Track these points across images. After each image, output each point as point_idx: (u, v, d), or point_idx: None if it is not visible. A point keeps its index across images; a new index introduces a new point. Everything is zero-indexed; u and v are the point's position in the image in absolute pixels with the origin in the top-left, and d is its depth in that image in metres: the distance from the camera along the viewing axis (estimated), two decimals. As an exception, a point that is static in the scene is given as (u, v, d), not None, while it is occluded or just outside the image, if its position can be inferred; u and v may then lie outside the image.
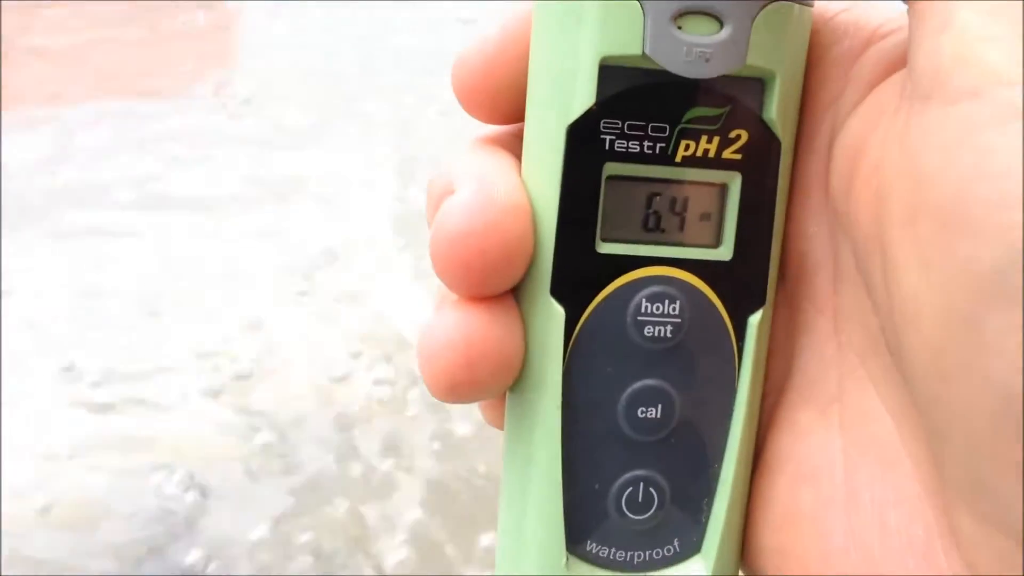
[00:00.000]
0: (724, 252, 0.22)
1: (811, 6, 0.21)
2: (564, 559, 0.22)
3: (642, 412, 0.22)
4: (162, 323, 1.20)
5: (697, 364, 0.22)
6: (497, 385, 0.21)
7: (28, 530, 0.92)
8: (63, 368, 1.12)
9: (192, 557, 0.90)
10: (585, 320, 0.21)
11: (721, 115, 0.21)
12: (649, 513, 0.22)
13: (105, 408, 1.07)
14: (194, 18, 1.95)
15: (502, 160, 0.22)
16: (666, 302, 0.21)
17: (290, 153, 1.57)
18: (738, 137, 0.21)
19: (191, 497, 0.96)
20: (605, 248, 0.21)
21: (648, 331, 0.21)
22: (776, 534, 0.22)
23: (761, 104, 0.21)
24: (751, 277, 0.22)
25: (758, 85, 0.21)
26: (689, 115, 0.21)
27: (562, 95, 0.20)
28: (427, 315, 0.22)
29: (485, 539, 0.93)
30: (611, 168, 0.21)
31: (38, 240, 1.36)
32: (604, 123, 0.20)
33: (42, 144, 1.57)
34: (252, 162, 1.54)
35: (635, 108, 0.20)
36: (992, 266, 0.15)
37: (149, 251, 1.35)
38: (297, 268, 1.31)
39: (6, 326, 1.17)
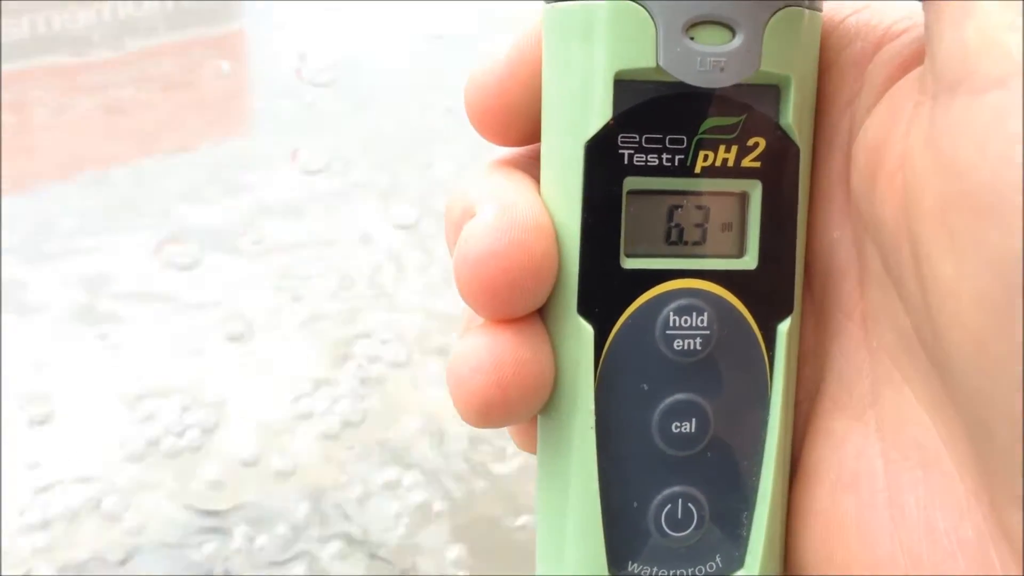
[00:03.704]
0: (749, 261, 0.21)
1: (820, 11, 0.21)
2: None
3: (676, 427, 0.21)
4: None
5: (728, 375, 0.22)
6: (529, 407, 0.21)
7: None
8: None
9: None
10: (614, 337, 0.21)
11: (738, 124, 0.21)
12: (689, 530, 0.22)
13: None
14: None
15: (521, 181, 0.22)
16: (694, 315, 0.21)
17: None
18: (756, 145, 0.21)
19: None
20: (630, 263, 0.21)
21: (677, 345, 0.21)
22: (820, 544, 0.21)
23: (777, 110, 0.21)
24: (777, 285, 0.22)
25: (773, 92, 0.21)
26: (706, 125, 0.20)
27: (578, 112, 0.20)
28: (454, 341, 0.22)
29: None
30: (631, 183, 0.21)
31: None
32: (622, 138, 0.20)
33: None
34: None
35: (652, 121, 0.20)
36: None
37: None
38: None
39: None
